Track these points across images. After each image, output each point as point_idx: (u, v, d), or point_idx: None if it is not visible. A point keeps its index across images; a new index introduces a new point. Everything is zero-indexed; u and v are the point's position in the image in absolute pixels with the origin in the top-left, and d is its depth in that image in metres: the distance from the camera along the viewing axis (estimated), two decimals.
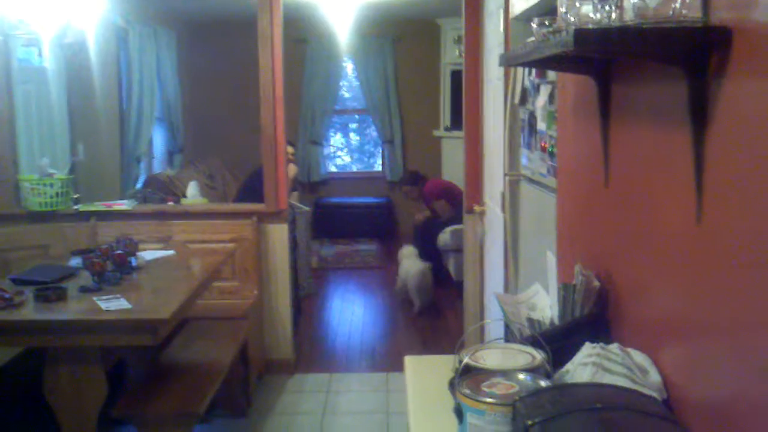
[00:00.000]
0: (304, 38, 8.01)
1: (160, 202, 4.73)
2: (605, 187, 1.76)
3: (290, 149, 5.07)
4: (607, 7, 1.30)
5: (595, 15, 1.33)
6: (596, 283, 1.73)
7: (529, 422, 1.19)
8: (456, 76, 7.62)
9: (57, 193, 4.05)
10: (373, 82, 8.36)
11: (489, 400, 1.34)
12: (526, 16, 2.76)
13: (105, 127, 5.44)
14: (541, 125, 2.62)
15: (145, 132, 6.06)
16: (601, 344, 1.49)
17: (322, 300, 6.07)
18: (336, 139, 9.19)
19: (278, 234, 4.24)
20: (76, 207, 4.14)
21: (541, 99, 2.58)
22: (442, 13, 7.60)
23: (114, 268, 3.05)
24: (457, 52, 7.72)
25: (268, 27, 4.04)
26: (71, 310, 2.71)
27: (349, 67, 8.64)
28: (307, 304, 5.70)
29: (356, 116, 9.11)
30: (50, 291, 2.76)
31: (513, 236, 3.14)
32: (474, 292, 4.14)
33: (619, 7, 1.30)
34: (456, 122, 7.63)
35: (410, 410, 1.73)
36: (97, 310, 2.63)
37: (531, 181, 2.86)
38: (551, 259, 2.19)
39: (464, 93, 4.16)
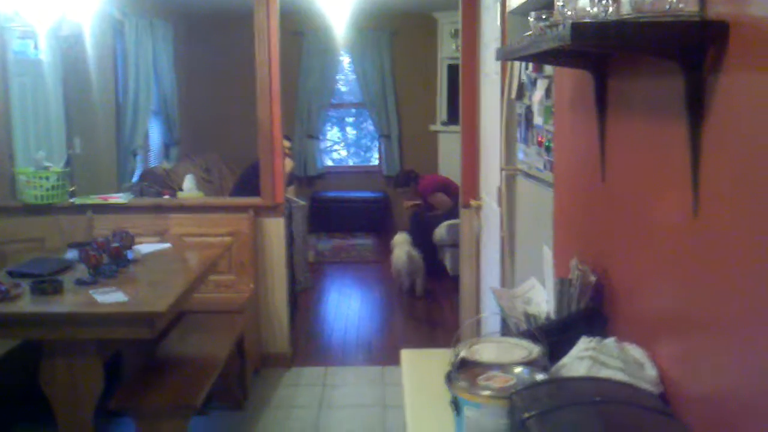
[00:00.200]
0: (300, 31, 7.99)
1: (157, 195, 4.72)
2: (602, 182, 1.76)
3: (287, 143, 5.05)
4: (604, 1, 1.30)
5: (592, 9, 1.34)
6: (592, 278, 1.73)
7: (526, 415, 1.20)
8: (453, 70, 7.59)
9: (53, 186, 4.04)
10: (369, 75, 8.33)
11: (486, 393, 1.34)
12: (523, 9, 2.76)
13: (101, 119, 5.42)
14: (537, 120, 2.62)
15: (141, 125, 6.05)
16: (597, 338, 1.49)
17: (319, 294, 6.07)
18: (332, 133, 9.17)
19: (275, 228, 4.24)
20: (72, 200, 4.14)
21: (538, 93, 2.58)
22: (439, 7, 7.58)
23: (110, 261, 3.05)
24: (454, 46, 7.71)
25: (264, 20, 4.03)
26: (67, 302, 2.72)
27: (345, 60, 8.60)
28: (303, 298, 5.70)
29: (353, 110, 9.08)
30: (46, 284, 2.76)
31: (509, 231, 3.15)
32: (470, 286, 4.15)
33: (616, 1, 1.30)
34: (453, 117, 7.60)
35: (407, 404, 1.73)
36: (93, 303, 2.64)
37: (527, 175, 2.86)
38: (547, 254, 2.19)
39: (461, 87, 4.15)
